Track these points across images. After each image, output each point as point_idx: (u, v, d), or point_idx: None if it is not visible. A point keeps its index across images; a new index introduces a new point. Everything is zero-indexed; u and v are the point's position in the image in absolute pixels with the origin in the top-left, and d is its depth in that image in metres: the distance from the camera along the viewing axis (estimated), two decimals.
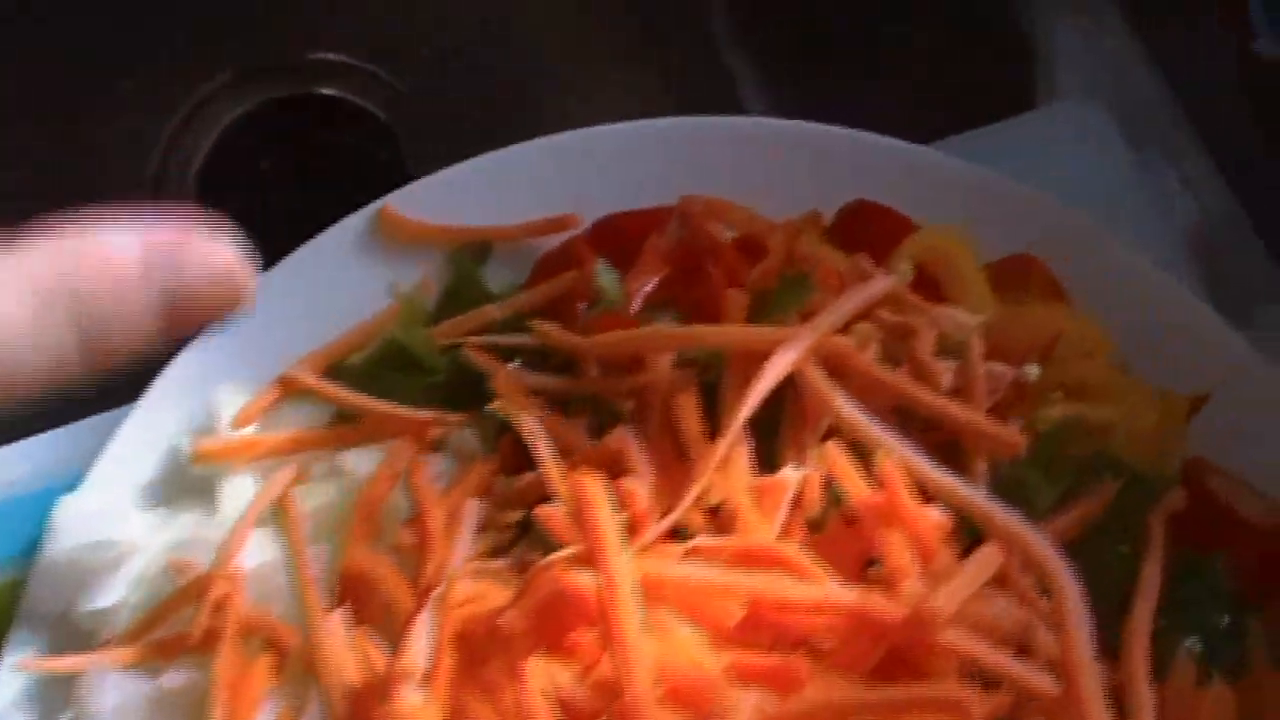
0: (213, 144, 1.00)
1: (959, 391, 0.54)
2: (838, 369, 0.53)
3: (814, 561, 0.47)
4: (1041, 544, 0.47)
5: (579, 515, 0.45)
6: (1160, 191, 0.73)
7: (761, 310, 0.55)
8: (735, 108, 1.01)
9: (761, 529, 0.47)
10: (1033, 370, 0.59)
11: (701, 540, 0.47)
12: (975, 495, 0.49)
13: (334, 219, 0.65)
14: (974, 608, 0.46)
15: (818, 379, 0.51)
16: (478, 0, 1.05)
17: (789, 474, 0.48)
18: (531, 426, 0.55)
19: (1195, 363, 0.66)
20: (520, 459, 0.57)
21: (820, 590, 0.44)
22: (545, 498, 0.54)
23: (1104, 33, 0.74)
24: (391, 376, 0.61)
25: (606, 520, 0.45)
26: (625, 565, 0.43)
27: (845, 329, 0.55)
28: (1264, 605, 0.60)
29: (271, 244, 0.63)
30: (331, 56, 1.04)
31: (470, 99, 1.04)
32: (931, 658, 0.45)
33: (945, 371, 0.55)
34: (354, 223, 0.64)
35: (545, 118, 1.04)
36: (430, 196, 0.66)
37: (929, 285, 0.63)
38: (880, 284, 0.56)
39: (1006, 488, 0.53)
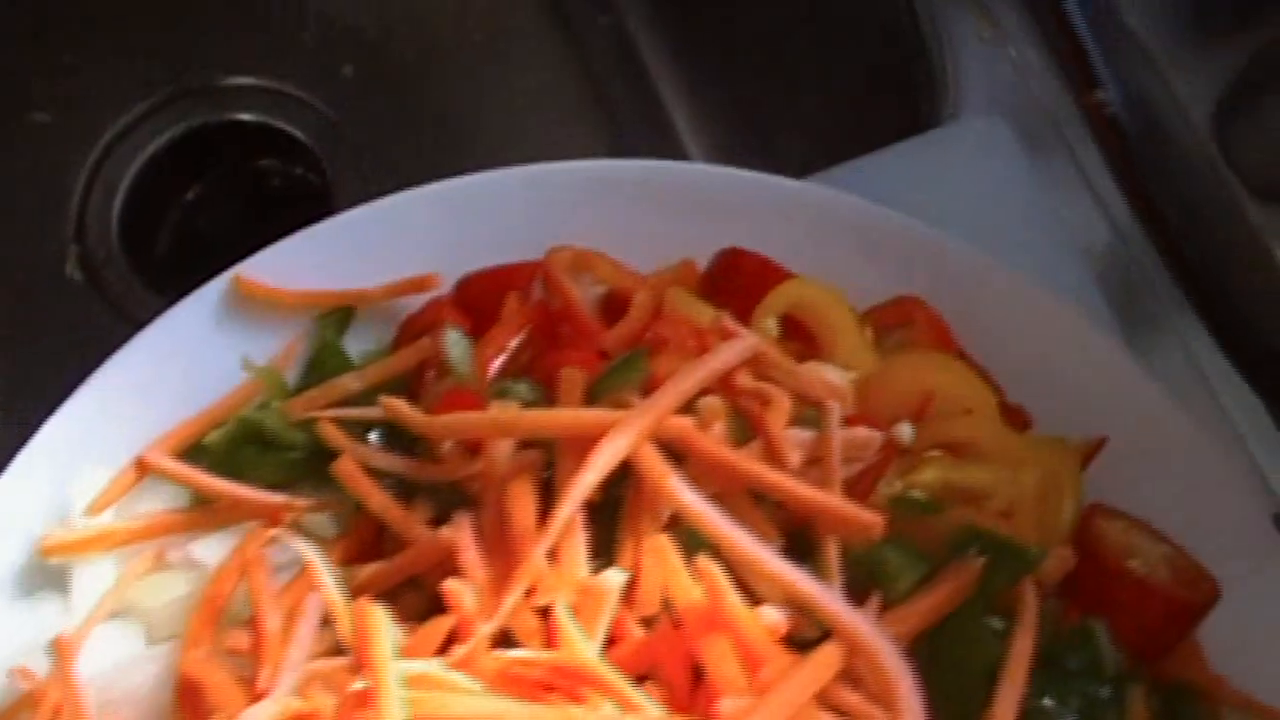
0: (135, 175, 0.98)
1: (816, 462, 0.51)
2: (682, 448, 0.50)
3: (628, 679, 0.44)
4: (882, 647, 0.44)
5: (357, 649, 0.43)
6: (1064, 205, 0.69)
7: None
8: (667, 135, 0.99)
9: (578, 642, 0.44)
10: (906, 431, 0.55)
11: (520, 654, 0.45)
12: (816, 589, 0.46)
13: (263, 246, 0.63)
14: None
15: (653, 463, 0.48)
16: (401, 21, 1.03)
17: (611, 577, 0.46)
18: (378, 512, 0.53)
19: (1099, 404, 0.63)
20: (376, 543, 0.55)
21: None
22: (391, 590, 0.52)
23: (1008, 46, 0.70)
24: (250, 454, 0.59)
25: (382, 655, 0.43)
26: (395, 708, 0.41)
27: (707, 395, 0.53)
28: (1155, 667, 0.57)
29: (201, 274, 0.62)
30: (253, 81, 1.02)
31: (398, 122, 1.02)
32: None
33: (802, 444, 0.52)
34: (210, 292, 0.62)
35: (476, 139, 1.02)
36: (297, 257, 0.64)
37: (807, 337, 0.60)
38: (736, 349, 0.53)
39: (866, 568, 0.50)
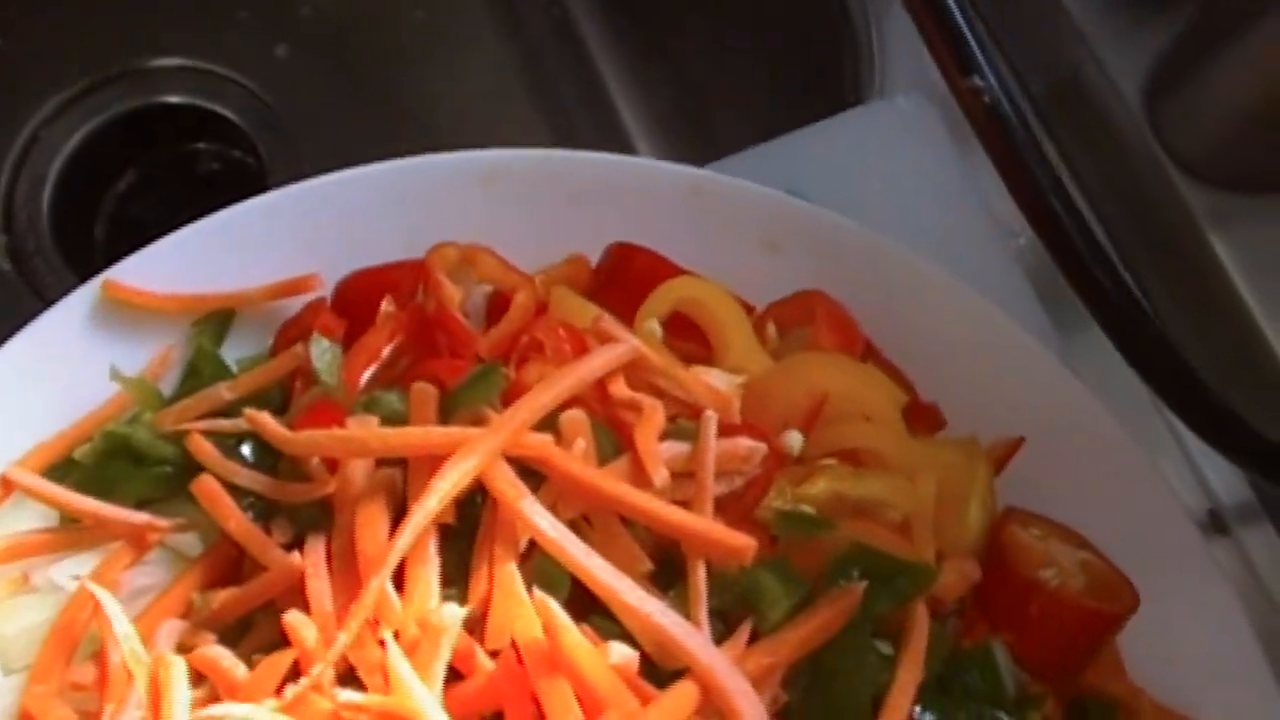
0: (64, 163, 0.95)
1: (690, 478, 0.48)
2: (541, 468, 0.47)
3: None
4: (735, 687, 0.41)
5: (150, 704, 0.40)
6: (993, 193, 0.65)
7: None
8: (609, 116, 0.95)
9: (409, 684, 0.41)
10: (795, 440, 0.52)
11: (349, 698, 0.42)
12: (671, 622, 0.43)
13: None
14: None
15: (505, 486, 0.45)
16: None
17: (448, 613, 0.43)
18: (235, 535, 0.50)
19: (1020, 403, 0.59)
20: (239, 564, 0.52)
21: None
22: (246, 618, 0.50)
23: None
24: (119, 470, 0.56)
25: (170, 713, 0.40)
26: None
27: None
28: (1072, 679, 0.54)
29: None
30: (184, 62, 0.98)
31: (335, 103, 0.98)
32: None
33: (676, 458, 0.48)
34: (79, 299, 0.59)
35: (415, 120, 0.99)
36: (178, 259, 0.61)
37: (703, 338, 0.57)
38: (607, 356, 0.49)
39: (740, 594, 0.47)
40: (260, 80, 0.99)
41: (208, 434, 0.55)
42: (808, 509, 0.50)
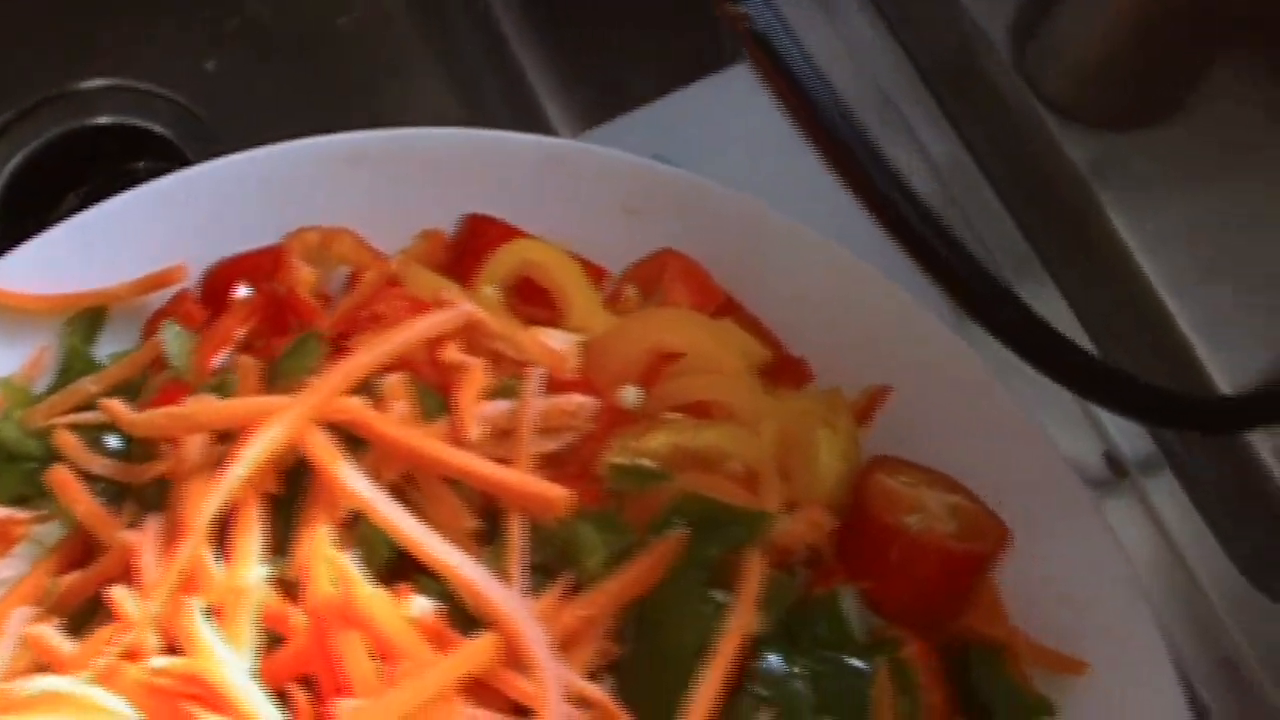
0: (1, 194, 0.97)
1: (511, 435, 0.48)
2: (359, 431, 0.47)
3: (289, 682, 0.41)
4: (529, 634, 0.41)
5: None
6: None
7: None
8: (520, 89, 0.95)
9: (209, 648, 0.41)
10: (631, 394, 0.52)
11: (157, 664, 0.42)
12: (475, 574, 0.43)
13: None
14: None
15: (320, 450, 0.45)
16: (262, 9, 1.00)
17: (248, 576, 0.43)
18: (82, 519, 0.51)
19: (891, 355, 0.59)
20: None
21: None
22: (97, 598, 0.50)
23: None
24: None
25: None
26: None
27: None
28: (939, 627, 0.54)
29: None
30: (110, 82, 1.00)
31: (266, 109, 1.00)
32: None
33: (500, 416, 0.48)
34: None
35: (348, 119, 1.00)
36: (50, 258, 0.61)
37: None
38: (431, 321, 0.50)
39: (560, 547, 0.46)
40: (190, 94, 1.00)
41: (76, 428, 0.55)
42: (646, 463, 0.50)
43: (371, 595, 0.41)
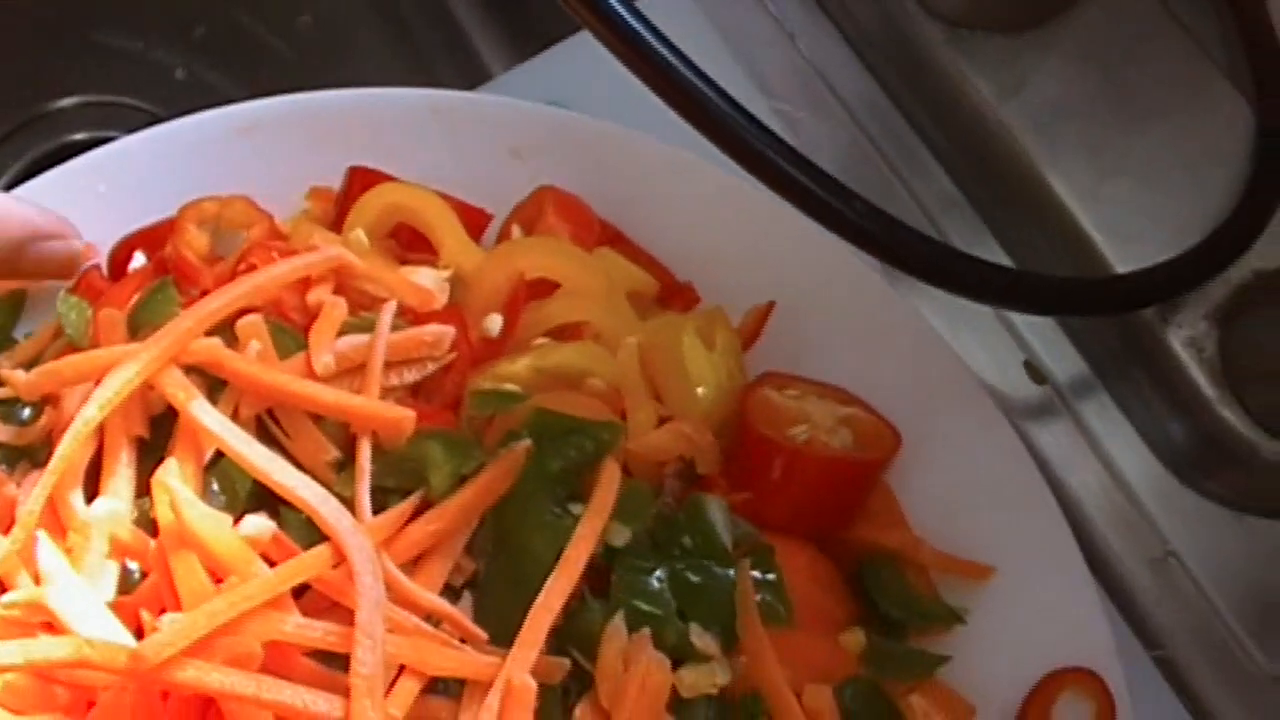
0: None
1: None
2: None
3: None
4: (353, 545, 0.42)
5: None
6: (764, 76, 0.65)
7: None
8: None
9: (52, 573, 0.43)
10: (494, 322, 0.53)
11: (4, 599, 0.44)
12: (310, 495, 0.44)
13: None
14: (257, 629, 0.41)
15: (175, 389, 0.47)
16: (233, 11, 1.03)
17: (92, 509, 0.44)
18: None
19: (784, 272, 0.59)
20: None
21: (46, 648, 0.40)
22: None
23: None
24: None
25: None
26: None
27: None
28: (848, 533, 0.53)
29: None
30: (83, 99, 1.03)
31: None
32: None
33: (358, 348, 0.49)
34: None
35: None
36: None
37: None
38: (289, 265, 0.51)
39: (410, 469, 0.47)
40: (163, 104, 1.03)
41: None
42: (509, 386, 0.51)
43: (202, 515, 0.43)
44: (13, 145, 1.01)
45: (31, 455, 0.54)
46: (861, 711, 0.50)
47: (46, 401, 0.54)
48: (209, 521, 0.42)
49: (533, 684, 0.43)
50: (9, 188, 1.01)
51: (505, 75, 0.69)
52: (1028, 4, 0.62)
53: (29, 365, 0.58)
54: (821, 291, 0.59)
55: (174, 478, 0.44)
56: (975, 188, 0.67)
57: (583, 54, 0.69)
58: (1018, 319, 0.66)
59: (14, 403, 0.57)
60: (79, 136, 1.02)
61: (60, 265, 0.53)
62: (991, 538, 0.56)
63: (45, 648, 0.40)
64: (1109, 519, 0.63)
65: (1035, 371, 0.64)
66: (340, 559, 0.43)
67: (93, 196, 0.63)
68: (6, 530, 0.50)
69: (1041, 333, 0.66)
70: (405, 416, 0.46)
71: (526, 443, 0.47)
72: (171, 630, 0.40)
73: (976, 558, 0.56)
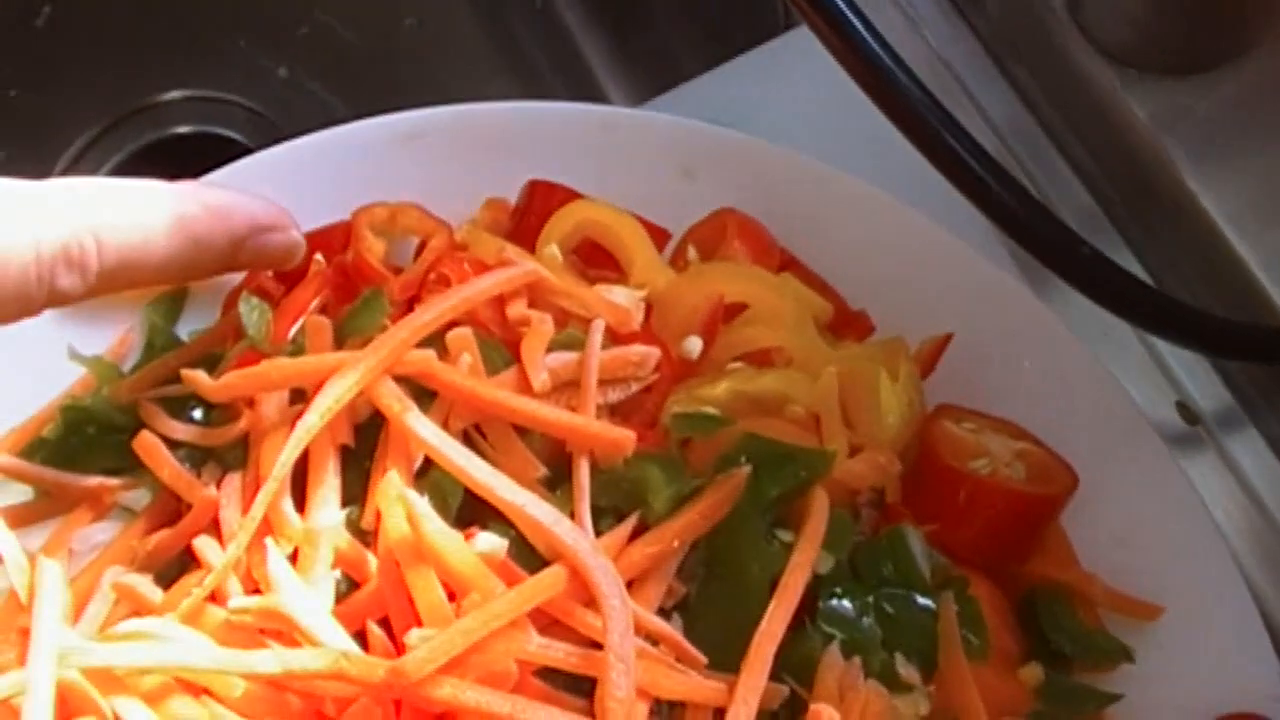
0: None
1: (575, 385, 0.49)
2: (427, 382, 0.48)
3: (332, 619, 0.42)
4: (595, 566, 0.42)
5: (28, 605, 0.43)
6: None
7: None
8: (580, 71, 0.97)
9: (283, 586, 0.43)
10: (694, 344, 0.53)
11: (235, 604, 0.44)
12: (542, 512, 0.44)
13: None
14: (503, 647, 0.41)
15: (390, 400, 0.47)
16: (334, 15, 1.03)
17: (321, 519, 0.44)
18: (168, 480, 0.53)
19: (956, 306, 0.59)
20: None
21: (294, 659, 0.40)
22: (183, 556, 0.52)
23: None
24: (82, 442, 0.59)
25: (41, 611, 0.42)
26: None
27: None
28: (1020, 569, 0.53)
29: None
30: (188, 93, 1.03)
31: (336, 110, 1.02)
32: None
33: (565, 367, 0.49)
34: None
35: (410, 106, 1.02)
36: None
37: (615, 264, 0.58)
38: (494, 279, 0.51)
39: (628, 490, 0.47)
40: (264, 102, 1.03)
41: (161, 400, 0.57)
42: (709, 409, 0.51)
43: (440, 531, 0.43)
44: (115, 136, 1.02)
45: (219, 457, 0.54)
46: None
47: (231, 403, 0.54)
48: (445, 537, 0.42)
49: (837, 715, 0.43)
50: (112, 176, 1.03)
51: (655, 100, 0.69)
52: (1198, 50, 0.62)
53: (198, 364, 0.59)
54: (994, 326, 0.59)
55: (405, 490, 0.44)
56: (1117, 206, 0.68)
57: (735, 79, 0.69)
58: (1171, 359, 0.66)
59: (183, 401, 0.58)
60: (181, 130, 1.02)
61: (279, 257, 0.52)
62: (1159, 578, 0.56)
63: (303, 659, 0.40)
64: (1257, 557, 0.64)
65: (1188, 412, 0.65)
66: (572, 580, 0.43)
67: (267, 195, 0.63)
68: (207, 533, 0.50)
69: (1188, 364, 0.66)
70: (626, 437, 0.46)
71: (746, 469, 0.47)
72: (429, 647, 0.40)
73: (1144, 597, 0.56)
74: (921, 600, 0.49)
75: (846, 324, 0.59)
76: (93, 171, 1.01)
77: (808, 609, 0.48)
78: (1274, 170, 0.63)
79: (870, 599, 0.48)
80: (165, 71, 1.02)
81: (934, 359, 0.57)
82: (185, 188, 0.50)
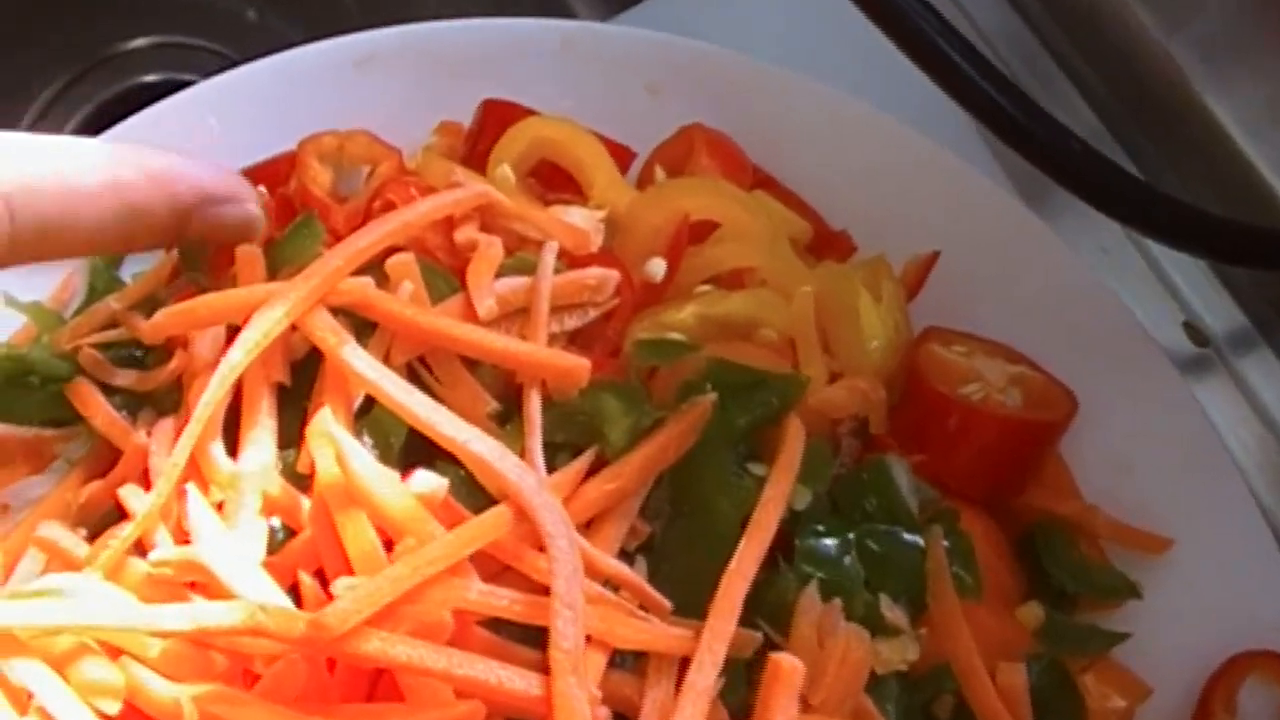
0: None
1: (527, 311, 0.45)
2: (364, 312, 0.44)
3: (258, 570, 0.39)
4: (540, 504, 0.38)
5: None
6: None
7: None
8: None
9: (204, 536, 0.40)
10: (657, 266, 0.49)
11: (155, 555, 0.40)
12: (486, 449, 0.40)
13: None
14: (440, 596, 0.37)
15: (324, 332, 0.43)
16: None
17: (243, 463, 0.41)
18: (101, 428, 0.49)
19: (945, 221, 0.55)
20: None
21: (206, 612, 0.37)
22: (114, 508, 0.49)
23: None
24: (20, 392, 0.56)
25: None
26: None
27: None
28: (1018, 500, 0.50)
29: None
30: (155, 39, 0.99)
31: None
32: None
33: (516, 291, 0.46)
34: None
35: None
36: None
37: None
38: (436, 202, 0.47)
39: (583, 423, 0.43)
40: (234, 45, 0.99)
41: (103, 346, 0.54)
42: (674, 335, 0.47)
43: (370, 471, 0.39)
44: (84, 86, 0.98)
45: (155, 402, 0.50)
46: (1046, 691, 0.47)
47: (169, 346, 0.51)
48: (379, 477, 0.39)
49: (801, 665, 0.39)
50: (81, 129, 0.99)
51: (635, 9, 0.65)
52: None
53: (139, 307, 0.55)
54: (984, 241, 0.55)
55: (334, 427, 0.40)
56: (1120, 121, 0.63)
57: None
58: (1178, 276, 0.62)
59: (126, 346, 0.54)
60: (150, 78, 0.99)
61: (233, 232, 0.46)
62: (1167, 508, 0.53)
63: (216, 614, 0.36)
64: (1273, 484, 0.60)
65: (1196, 333, 0.61)
66: (520, 521, 0.40)
67: (203, 130, 0.59)
68: (138, 482, 0.47)
69: (1196, 281, 0.62)
70: (580, 365, 0.43)
71: (712, 397, 0.43)
72: (353, 597, 0.36)
73: (1151, 528, 0.52)
74: (908, 536, 0.45)
75: (826, 244, 0.55)
76: (60, 127, 0.97)
77: (784, 548, 0.44)
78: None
79: (852, 536, 0.44)
80: (130, 18, 0.98)
81: (920, 278, 0.54)
82: (124, 150, 0.44)
